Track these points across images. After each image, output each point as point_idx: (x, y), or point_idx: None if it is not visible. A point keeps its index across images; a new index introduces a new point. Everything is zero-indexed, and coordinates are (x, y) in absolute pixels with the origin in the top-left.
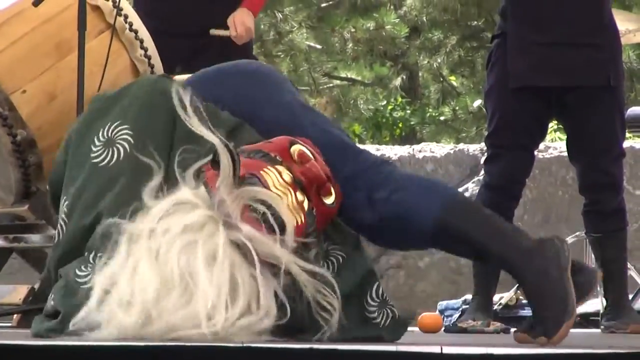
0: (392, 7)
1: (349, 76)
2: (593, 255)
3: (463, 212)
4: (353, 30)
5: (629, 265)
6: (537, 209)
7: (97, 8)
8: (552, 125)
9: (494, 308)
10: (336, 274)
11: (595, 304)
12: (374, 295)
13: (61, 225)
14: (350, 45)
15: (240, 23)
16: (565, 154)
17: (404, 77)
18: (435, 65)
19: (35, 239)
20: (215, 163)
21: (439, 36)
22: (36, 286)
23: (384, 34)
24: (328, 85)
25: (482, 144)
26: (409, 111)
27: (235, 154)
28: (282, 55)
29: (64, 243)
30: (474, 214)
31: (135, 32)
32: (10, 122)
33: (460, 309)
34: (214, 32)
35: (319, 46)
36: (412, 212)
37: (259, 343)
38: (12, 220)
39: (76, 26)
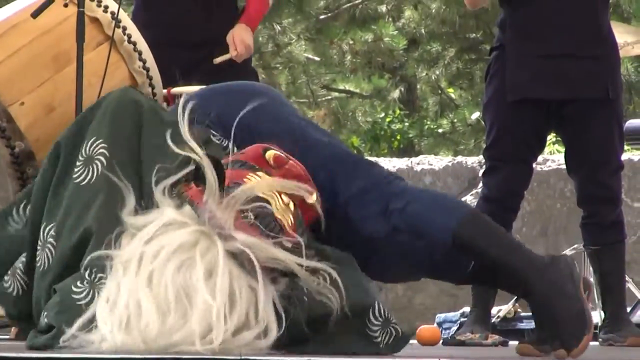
0: (390, 19)
1: (347, 88)
2: (591, 268)
3: (479, 226)
4: (351, 42)
5: (627, 278)
6: (536, 221)
7: (95, 20)
8: (551, 137)
9: (492, 321)
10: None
11: (593, 317)
12: (377, 314)
13: (50, 250)
14: (349, 57)
15: (240, 41)
16: (564, 166)
17: (402, 89)
18: (433, 78)
19: None
20: (198, 179)
21: (438, 48)
22: None
23: (382, 46)
24: (326, 98)
25: (481, 157)
26: (407, 123)
27: (221, 166)
28: (280, 67)
29: (55, 265)
30: (489, 228)
31: (134, 43)
32: (8, 134)
33: (459, 321)
34: (217, 60)
35: (317, 58)
36: (428, 224)
37: (257, 355)
38: None
39: (75, 38)
